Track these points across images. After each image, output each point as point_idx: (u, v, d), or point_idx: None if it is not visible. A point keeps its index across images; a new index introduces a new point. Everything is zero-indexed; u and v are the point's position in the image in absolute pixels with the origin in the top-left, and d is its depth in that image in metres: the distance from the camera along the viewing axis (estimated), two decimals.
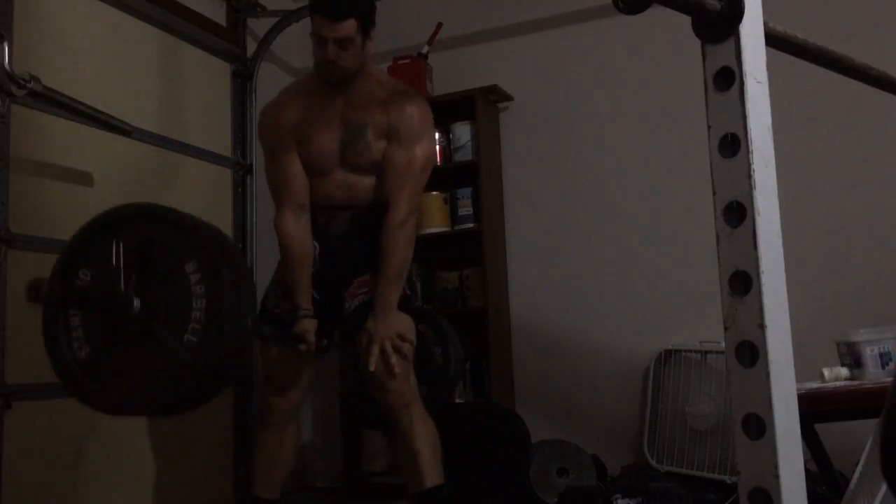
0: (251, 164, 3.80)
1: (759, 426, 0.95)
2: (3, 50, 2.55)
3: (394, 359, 2.40)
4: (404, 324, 2.48)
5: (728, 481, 3.12)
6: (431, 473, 2.49)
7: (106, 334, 1.75)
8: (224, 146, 3.73)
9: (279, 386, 2.58)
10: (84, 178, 2.95)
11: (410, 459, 2.50)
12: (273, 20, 3.92)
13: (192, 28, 3.54)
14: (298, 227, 2.53)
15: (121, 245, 1.74)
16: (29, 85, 2.57)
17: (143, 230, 1.78)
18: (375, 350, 2.39)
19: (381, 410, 2.55)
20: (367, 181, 2.53)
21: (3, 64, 2.54)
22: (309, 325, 2.47)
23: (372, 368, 2.39)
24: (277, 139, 2.56)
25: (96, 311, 1.76)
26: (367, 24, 2.48)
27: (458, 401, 3.69)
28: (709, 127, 1.02)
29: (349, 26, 2.42)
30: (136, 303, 1.69)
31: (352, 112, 2.52)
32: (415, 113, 2.51)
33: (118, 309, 1.70)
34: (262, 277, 3.69)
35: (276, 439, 2.61)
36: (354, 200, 2.55)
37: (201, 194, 3.56)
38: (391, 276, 2.45)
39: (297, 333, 2.46)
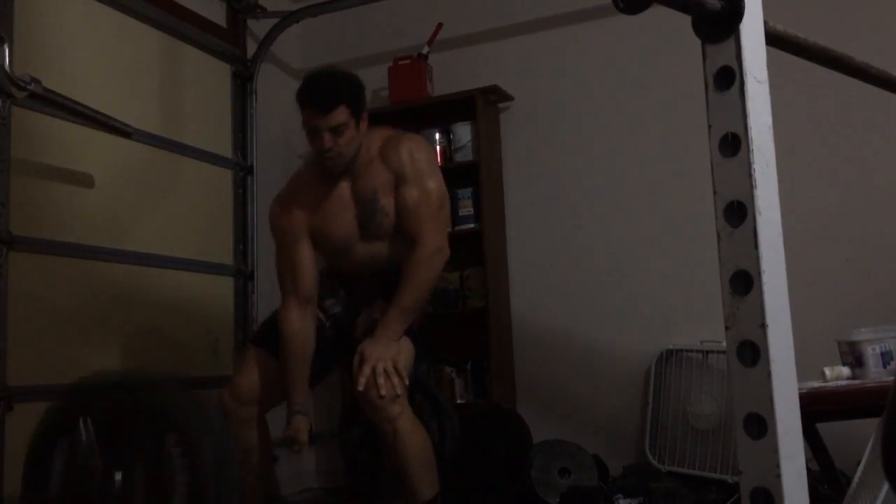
0: (251, 165, 3.81)
1: (760, 425, 0.95)
2: (4, 52, 2.56)
3: (382, 379, 2.34)
4: (402, 353, 2.44)
5: (730, 481, 3.12)
6: (423, 488, 2.46)
7: None
8: (224, 147, 3.73)
9: (238, 395, 2.51)
10: (84, 180, 2.95)
11: (402, 474, 2.47)
12: (273, 21, 3.92)
13: (192, 29, 3.54)
14: (302, 321, 2.52)
15: (90, 422, 1.68)
16: (29, 87, 2.57)
17: (117, 401, 1.71)
18: (366, 371, 2.35)
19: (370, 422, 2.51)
20: (392, 247, 2.55)
21: (3, 66, 2.55)
22: (301, 424, 2.45)
23: (360, 388, 2.36)
24: (290, 231, 2.56)
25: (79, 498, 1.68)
26: (357, 109, 2.45)
27: (459, 401, 3.69)
28: (709, 126, 1.02)
29: (340, 113, 2.39)
30: (118, 477, 1.63)
31: (359, 186, 2.52)
32: (413, 150, 2.49)
33: (98, 495, 1.64)
34: (263, 279, 3.71)
35: (244, 438, 2.53)
36: (380, 265, 2.57)
37: (202, 195, 3.56)
38: (403, 307, 2.44)
39: (289, 435, 2.43)
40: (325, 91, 2.42)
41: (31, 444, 1.75)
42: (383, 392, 2.34)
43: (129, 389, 1.76)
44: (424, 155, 2.52)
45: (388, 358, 2.38)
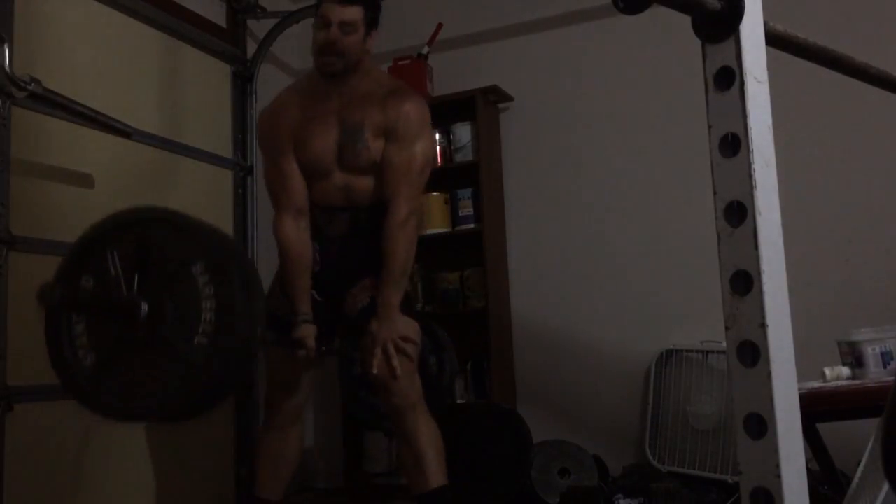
0: (252, 166, 3.80)
1: (760, 426, 0.95)
2: (4, 52, 2.55)
3: (396, 360, 2.38)
4: (408, 325, 2.46)
5: (730, 481, 3.12)
6: (436, 475, 2.48)
7: (112, 340, 1.70)
8: (224, 147, 3.73)
9: (284, 386, 2.57)
10: (84, 180, 2.95)
11: (415, 461, 2.48)
12: (273, 21, 3.92)
13: (192, 29, 3.54)
14: (298, 232, 2.53)
15: (115, 255, 1.70)
16: (29, 87, 2.57)
17: (143, 234, 1.73)
18: (378, 352, 2.38)
19: (384, 411, 2.54)
20: (366, 182, 2.52)
21: (3, 66, 2.55)
22: (309, 331, 2.45)
23: (374, 371, 2.38)
24: (276, 144, 2.55)
25: (103, 317, 1.72)
26: (371, 19, 2.52)
27: (459, 401, 3.69)
28: (709, 127, 1.02)
29: (356, 11, 2.47)
30: (144, 307, 1.65)
31: (349, 111, 2.51)
32: (412, 111, 2.49)
33: (126, 314, 1.66)
34: (264, 279, 3.70)
35: (280, 440, 2.60)
36: (353, 202, 2.55)
37: (202, 195, 3.56)
38: (393, 277, 2.44)
39: (297, 339, 2.45)
40: None
41: (54, 281, 1.77)
42: (398, 372, 2.37)
43: (155, 222, 1.76)
44: (419, 117, 2.51)
45: (396, 336, 2.41)
